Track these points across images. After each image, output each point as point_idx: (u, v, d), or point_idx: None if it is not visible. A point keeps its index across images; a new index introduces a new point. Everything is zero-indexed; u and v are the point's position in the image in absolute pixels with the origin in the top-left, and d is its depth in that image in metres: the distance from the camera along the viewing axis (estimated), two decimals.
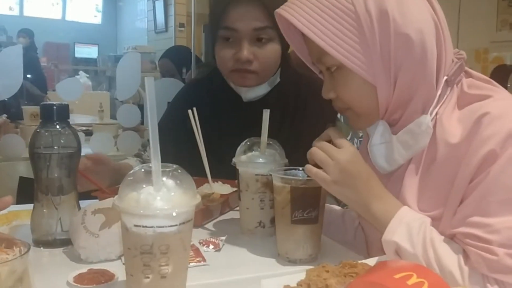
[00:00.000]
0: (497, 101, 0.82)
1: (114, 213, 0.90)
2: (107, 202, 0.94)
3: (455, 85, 0.88)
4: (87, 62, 8.90)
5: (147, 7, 7.98)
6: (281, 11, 0.89)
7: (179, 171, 0.71)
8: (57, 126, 0.98)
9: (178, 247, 0.68)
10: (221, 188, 1.29)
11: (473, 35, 4.31)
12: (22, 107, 3.20)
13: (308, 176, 0.90)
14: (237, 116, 1.44)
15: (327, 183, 0.86)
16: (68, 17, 9.32)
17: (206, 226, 1.17)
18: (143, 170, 0.69)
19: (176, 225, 0.67)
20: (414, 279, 0.59)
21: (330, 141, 0.89)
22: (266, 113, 1.08)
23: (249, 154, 1.10)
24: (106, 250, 0.91)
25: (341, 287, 0.66)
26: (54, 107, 0.98)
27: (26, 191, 1.33)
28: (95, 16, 9.65)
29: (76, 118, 3.85)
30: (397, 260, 0.80)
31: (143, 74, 2.78)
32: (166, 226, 0.66)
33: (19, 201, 1.18)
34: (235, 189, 1.25)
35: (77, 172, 1.03)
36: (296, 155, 0.97)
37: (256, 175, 1.08)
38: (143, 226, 0.66)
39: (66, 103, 1.01)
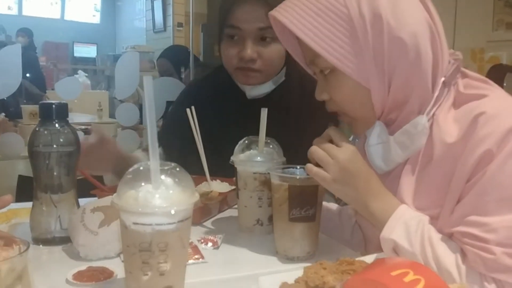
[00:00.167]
0: (492, 100, 0.82)
1: (113, 211, 0.90)
2: (106, 200, 0.95)
3: (452, 86, 0.88)
4: (86, 61, 8.89)
5: (146, 7, 7.97)
6: (275, 13, 0.89)
7: (178, 169, 0.71)
8: (56, 125, 0.98)
9: (177, 245, 0.68)
10: (219, 186, 1.29)
11: (470, 35, 4.31)
12: (21, 106, 3.21)
13: (307, 174, 0.90)
14: (240, 113, 1.45)
15: (327, 182, 0.86)
16: (67, 17, 9.30)
17: (204, 224, 1.17)
18: (141, 168, 0.70)
19: (174, 222, 0.67)
20: (410, 276, 0.60)
21: (331, 141, 0.89)
22: (264, 112, 1.08)
23: (247, 152, 1.11)
24: (105, 247, 0.92)
25: (338, 284, 0.66)
26: (53, 106, 0.98)
27: (25, 190, 1.33)
28: (94, 15, 9.63)
29: (75, 117, 3.85)
30: (394, 257, 0.81)
31: (142, 74, 2.79)
32: (164, 224, 0.66)
33: (18, 200, 1.18)
34: (233, 187, 1.26)
35: (76, 170, 1.03)
36: (301, 153, 0.98)
37: (254, 173, 1.08)
38: (141, 224, 0.66)
39: (65, 102, 1.01)
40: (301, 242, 0.94)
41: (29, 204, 1.03)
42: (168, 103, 2.93)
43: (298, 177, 0.95)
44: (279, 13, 0.88)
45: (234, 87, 1.48)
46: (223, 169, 1.22)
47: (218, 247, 1.00)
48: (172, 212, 0.66)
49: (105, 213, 0.93)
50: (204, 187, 1.27)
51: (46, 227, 0.99)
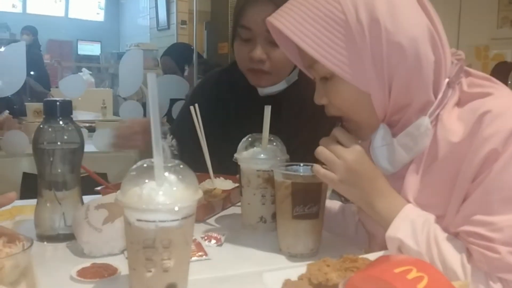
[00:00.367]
0: (498, 98, 0.82)
1: (117, 208, 0.90)
2: (110, 197, 0.95)
3: (456, 85, 0.87)
4: (90, 59, 8.91)
5: (149, 5, 7.98)
6: (273, 20, 0.88)
7: (181, 166, 0.71)
8: (60, 122, 0.98)
9: (180, 242, 0.69)
10: (222, 184, 1.29)
11: (474, 32, 4.29)
12: (25, 103, 3.22)
13: (312, 173, 0.90)
14: (253, 109, 1.46)
15: (334, 183, 0.87)
16: (71, 15, 9.32)
17: (208, 221, 1.18)
18: (145, 165, 0.70)
19: (178, 219, 0.67)
20: (414, 273, 0.60)
21: (338, 141, 0.89)
22: (267, 110, 1.08)
23: (251, 150, 1.11)
24: (109, 244, 0.92)
25: (341, 281, 0.67)
26: (57, 103, 0.99)
27: (30, 187, 1.34)
28: (98, 13, 9.65)
29: (79, 115, 3.86)
30: (397, 254, 0.81)
31: (146, 71, 2.79)
32: (168, 221, 0.67)
33: (22, 197, 1.19)
34: (236, 184, 1.26)
35: (80, 167, 1.03)
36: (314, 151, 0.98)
37: (257, 170, 1.08)
38: (145, 221, 0.66)
39: (69, 99, 1.02)
40: (304, 239, 0.94)
41: (33, 201, 1.03)
42: (172, 100, 2.93)
43: (301, 174, 0.95)
44: (276, 19, 0.87)
45: (248, 84, 1.50)
46: (233, 163, 1.24)
47: (221, 244, 1.01)
48: (176, 209, 0.67)
49: (109, 210, 0.93)
50: (207, 184, 1.27)
51: (50, 224, 0.99)
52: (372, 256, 0.77)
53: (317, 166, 0.89)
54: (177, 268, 0.69)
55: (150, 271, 0.68)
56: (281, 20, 0.86)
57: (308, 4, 0.85)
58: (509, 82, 3.48)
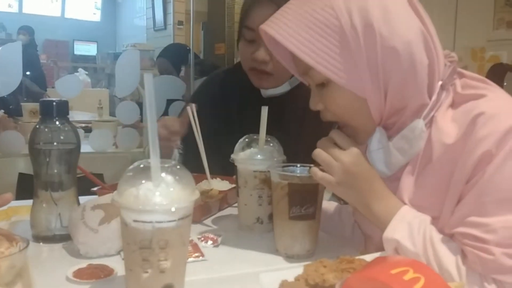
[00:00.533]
0: (491, 100, 0.82)
1: (113, 209, 0.90)
2: (106, 198, 0.95)
3: (450, 87, 0.88)
4: (86, 59, 8.88)
5: (146, 5, 7.97)
6: (266, 27, 0.88)
7: (178, 167, 0.71)
8: (57, 122, 0.98)
9: (177, 242, 0.69)
10: (219, 185, 1.29)
11: (470, 34, 4.30)
12: (21, 104, 3.21)
13: (309, 174, 0.90)
14: (255, 110, 1.47)
15: (332, 185, 0.87)
16: (67, 15, 9.30)
17: (204, 222, 1.17)
18: (142, 166, 0.70)
19: (175, 220, 0.67)
20: (410, 274, 0.60)
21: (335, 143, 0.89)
22: (264, 110, 1.08)
23: (247, 151, 1.11)
24: (106, 245, 0.92)
25: (338, 282, 0.67)
26: (54, 103, 0.99)
27: (25, 187, 1.34)
28: (94, 13, 9.63)
29: (75, 115, 3.85)
30: (394, 255, 0.81)
31: (142, 72, 2.79)
32: (165, 221, 0.67)
33: (18, 197, 1.18)
34: (233, 185, 1.26)
35: (76, 168, 1.03)
36: None
37: (254, 171, 1.08)
38: (142, 221, 0.66)
39: (65, 99, 1.02)
40: (301, 240, 0.94)
41: (29, 202, 1.03)
42: (169, 101, 2.93)
43: (298, 175, 0.95)
44: (270, 27, 0.87)
45: (251, 85, 1.51)
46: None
47: (218, 245, 1.00)
48: (173, 209, 0.66)
49: (106, 210, 0.93)
50: (204, 185, 1.27)
51: (46, 224, 0.99)
52: (369, 257, 0.77)
53: (315, 169, 0.89)
54: (173, 268, 0.69)
55: (147, 272, 0.68)
56: (274, 28, 0.86)
57: (301, 11, 0.85)
58: (505, 84, 3.49)
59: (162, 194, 0.67)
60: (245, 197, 1.11)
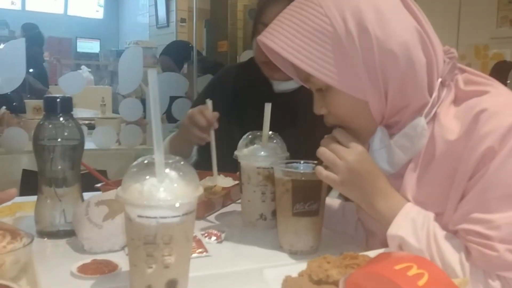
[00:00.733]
0: (494, 97, 0.82)
1: (117, 205, 0.91)
2: (110, 194, 0.95)
3: (451, 83, 0.88)
4: (89, 56, 8.88)
5: (149, 2, 7.95)
6: (264, 39, 0.89)
7: (182, 162, 0.71)
8: (61, 119, 0.99)
9: (181, 238, 0.69)
10: (223, 181, 1.30)
11: (473, 31, 4.28)
12: (25, 100, 3.21)
13: (312, 170, 0.90)
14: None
15: (336, 184, 0.87)
16: (70, 12, 9.29)
17: (208, 218, 1.18)
18: (146, 161, 0.70)
19: (179, 215, 0.67)
20: (414, 270, 0.60)
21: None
22: (267, 107, 1.09)
23: (251, 147, 1.12)
24: (110, 241, 0.92)
25: (342, 277, 0.67)
26: (58, 99, 0.99)
27: (29, 184, 1.34)
28: (97, 11, 9.62)
29: (78, 112, 3.85)
30: (398, 251, 0.81)
31: (145, 69, 2.79)
32: (169, 217, 0.67)
33: (22, 194, 1.18)
34: (237, 182, 1.26)
35: (80, 164, 1.03)
36: None
37: (257, 168, 1.09)
38: (146, 217, 0.66)
39: (69, 96, 1.02)
40: (304, 236, 0.94)
41: (33, 198, 1.03)
42: (172, 98, 2.93)
43: (301, 171, 0.95)
44: (267, 38, 0.88)
45: (263, 80, 1.54)
46: None
47: (221, 241, 1.01)
48: (177, 205, 0.67)
49: (110, 206, 0.93)
50: (208, 181, 1.27)
51: (50, 220, 1.00)
52: (372, 253, 0.77)
53: (319, 168, 0.89)
54: (178, 264, 0.69)
55: (151, 267, 0.68)
56: (271, 39, 0.87)
57: (296, 20, 0.86)
58: (508, 82, 3.48)
59: (166, 190, 0.67)
60: (249, 193, 1.11)
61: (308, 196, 0.93)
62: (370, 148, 0.91)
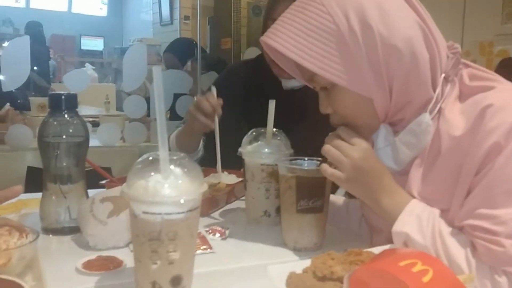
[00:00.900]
0: (500, 92, 0.81)
1: (122, 201, 0.91)
2: (115, 191, 0.95)
3: (455, 78, 0.87)
4: (93, 54, 8.90)
5: (153, 0, 7.97)
6: (267, 39, 0.89)
7: (186, 159, 0.71)
8: (66, 116, 0.99)
9: (186, 234, 0.69)
10: (227, 178, 1.30)
11: (478, 28, 4.27)
12: (30, 98, 3.22)
13: (317, 166, 0.90)
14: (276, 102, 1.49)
15: (341, 182, 0.87)
16: (74, 10, 9.32)
17: (212, 215, 1.18)
18: (151, 158, 0.70)
19: (183, 212, 0.68)
20: (419, 267, 0.60)
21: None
22: (272, 104, 1.09)
23: (255, 144, 1.12)
24: (114, 237, 0.92)
25: (346, 274, 0.67)
26: (63, 96, 0.99)
27: (34, 181, 1.34)
28: (101, 8, 9.64)
29: (82, 110, 3.86)
30: (402, 248, 0.81)
31: (149, 66, 2.79)
32: (173, 213, 0.67)
33: (27, 191, 1.19)
34: (241, 179, 1.26)
35: (85, 161, 1.04)
36: None
37: (261, 165, 1.09)
38: (151, 213, 0.67)
39: (74, 93, 1.02)
40: (308, 233, 0.94)
41: (38, 195, 1.04)
42: (176, 95, 2.93)
43: (306, 168, 0.95)
44: (270, 38, 0.88)
45: (272, 77, 1.54)
46: None
47: (225, 238, 1.01)
48: (182, 201, 0.67)
49: (114, 203, 0.94)
50: (212, 178, 1.27)
51: (55, 217, 1.00)
52: (377, 250, 0.77)
53: (324, 166, 0.89)
54: (182, 260, 0.69)
55: (156, 263, 0.68)
56: (275, 39, 0.87)
57: (299, 19, 0.86)
58: None
59: (171, 186, 0.67)
60: (253, 190, 1.11)
61: (312, 193, 0.93)
62: (375, 146, 0.91)
